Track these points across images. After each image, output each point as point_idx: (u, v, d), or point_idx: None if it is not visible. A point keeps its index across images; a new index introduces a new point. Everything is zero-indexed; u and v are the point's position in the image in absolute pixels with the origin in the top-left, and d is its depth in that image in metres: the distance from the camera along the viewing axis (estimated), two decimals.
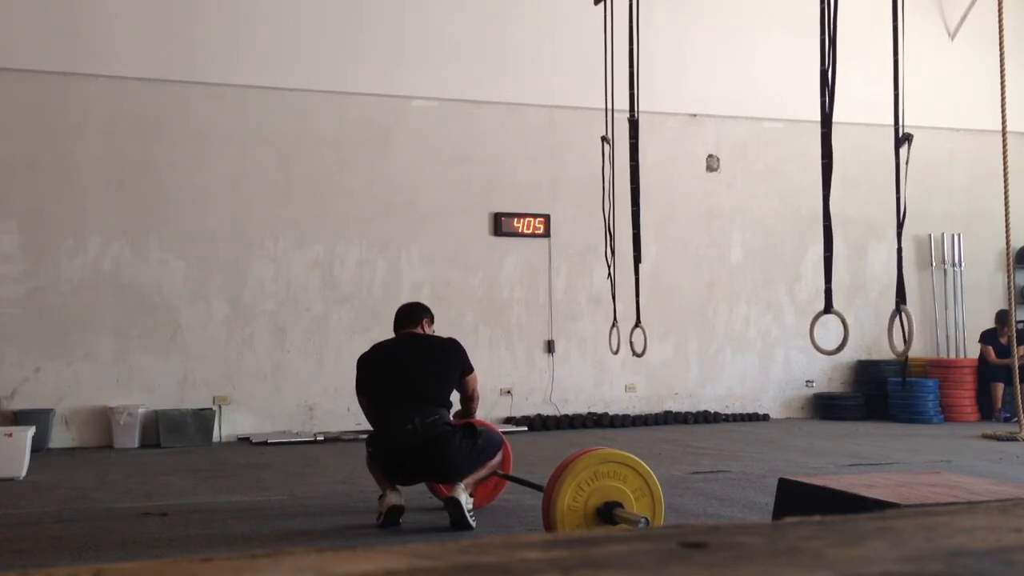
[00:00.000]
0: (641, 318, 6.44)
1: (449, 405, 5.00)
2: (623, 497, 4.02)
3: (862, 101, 9.55)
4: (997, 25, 8.18)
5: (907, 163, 4.04)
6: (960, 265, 11.42)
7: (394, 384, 4.89)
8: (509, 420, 9.65)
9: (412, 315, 5.17)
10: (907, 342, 3.98)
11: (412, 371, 4.89)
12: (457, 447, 4.77)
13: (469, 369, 5.09)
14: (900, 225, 4.14)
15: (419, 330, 5.13)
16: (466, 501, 4.69)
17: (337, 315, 9.38)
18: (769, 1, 10.67)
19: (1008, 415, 9.83)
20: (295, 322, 9.27)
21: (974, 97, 11.02)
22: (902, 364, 4.64)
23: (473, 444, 4.84)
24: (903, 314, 4.01)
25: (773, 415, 10.71)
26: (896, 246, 4.26)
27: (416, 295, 9.14)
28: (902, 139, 4.06)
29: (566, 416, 9.86)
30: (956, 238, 11.42)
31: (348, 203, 9.47)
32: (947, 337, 11.37)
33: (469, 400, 5.15)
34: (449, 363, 5.00)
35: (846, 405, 10.66)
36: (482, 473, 4.90)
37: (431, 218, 9.68)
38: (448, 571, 0.73)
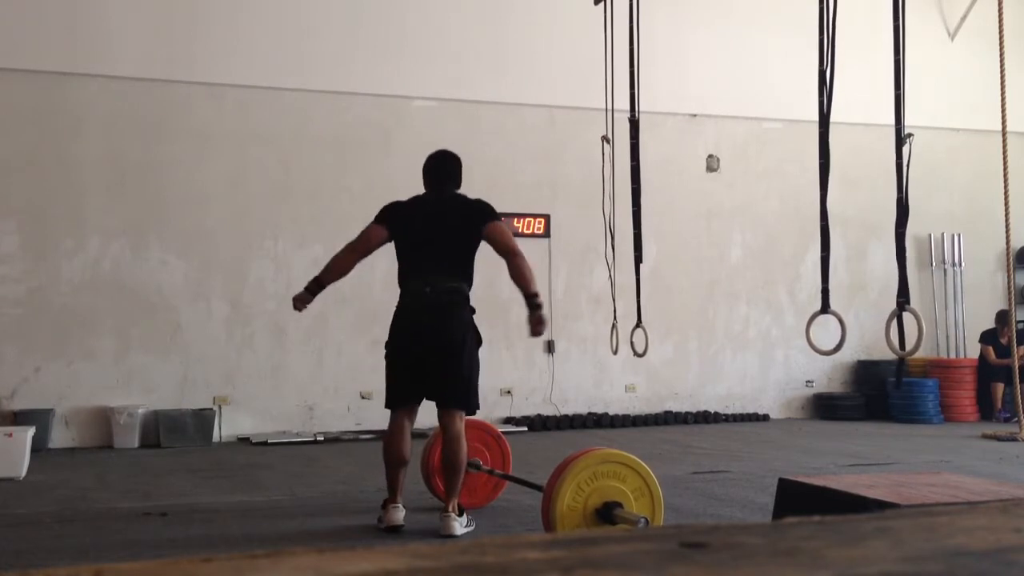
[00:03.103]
0: (641, 318, 6.44)
1: (469, 280, 4.79)
2: (623, 497, 4.02)
3: (862, 102, 9.55)
4: (997, 25, 8.18)
5: (908, 164, 4.04)
6: (960, 265, 11.42)
7: (416, 248, 4.73)
8: (509, 420, 9.65)
9: (455, 173, 4.86)
10: (917, 342, 3.97)
11: (437, 234, 4.69)
12: (462, 342, 4.66)
13: (494, 216, 4.71)
14: (902, 225, 4.12)
15: (458, 187, 4.90)
16: (461, 528, 4.60)
17: (337, 315, 9.37)
18: (770, 1, 10.68)
19: (1008, 415, 9.83)
20: (295, 322, 9.26)
21: (974, 97, 11.01)
22: (898, 364, 4.64)
23: (474, 375, 4.75)
24: (911, 314, 4.00)
25: (773, 415, 10.71)
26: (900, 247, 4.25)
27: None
28: (903, 139, 4.05)
29: (566, 416, 9.86)
30: (956, 238, 11.42)
31: (348, 203, 9.46)
32: (947, 337, 11.38)
33: (511, 256, 4.69)
34: (472, 221, 4.69)
35: (846, 405, 10.66)
36: (457, 488, 4.71)
37: None
38: (448, 571, 0.73)
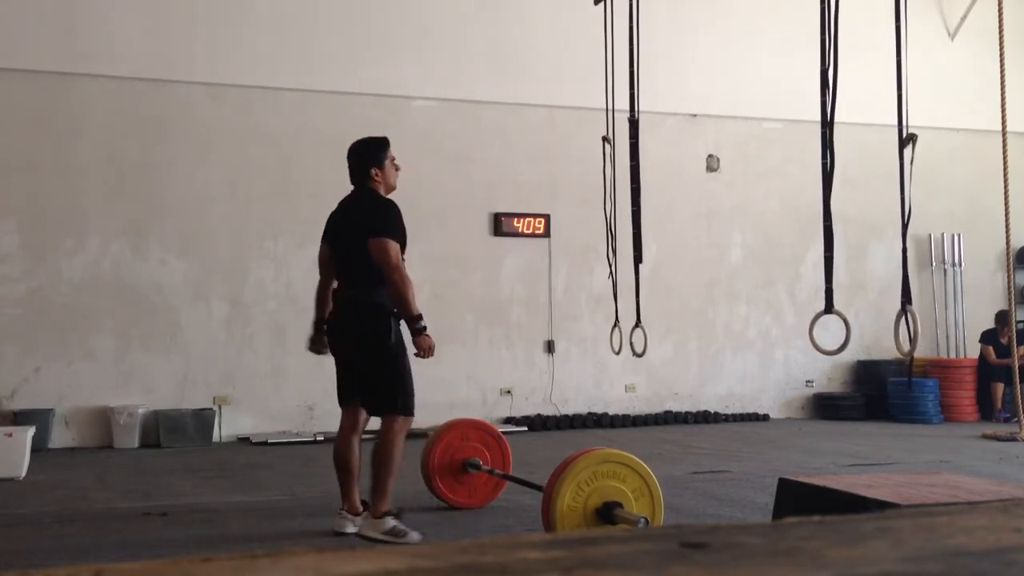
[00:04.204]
0: (641, 318, 6.44)
1: (379, 283, 4.51)
2: (623, 497, 4.01)
3: (862, 101, 9.54)
4: (997, 25, 8.18)
5: (911, 163, 4.04)
6: (960, 265, 11.42)
7: (336, 256, 4.68)
8: (509, 420, 9.64)
9: (358, 167, 4.71)
10: (913, 342, 3.99)
11: (349, 240, 4.56)
12: (374, 353, 4.50)
13: (374, 232, 4.41)
14: (905, 226, 4.14)
15: (370, 183, 4.69)
16: (383, 531, 4.44)
17: None
18: (770, 1, 10.67)
19: (1008, 415, 9.83)
20: (295, 322, 9.24)
21: (974, 97, 11.01)
22: (908, 364, 4.66)
23: (391, 378, 4.51)
24: (908, 314, 4.01)
25: (773, 415, 10.71)
26: (900, 246, 4.26)
27: (415, 295, 9.13)
28: (906, 139, 4.06)
29: (566, 416, 9.86)
30: (956, 238, 11.42)
31: None
32: (947, 337, 11.37)
33: (387, 273, 4.39)
34: (363, 228, 4.48)
35: (846, 405, 10.66)
36: (382, 487, 4.52)
37: (431, 218, 9.65)
38: (448, 571, 0.73)
